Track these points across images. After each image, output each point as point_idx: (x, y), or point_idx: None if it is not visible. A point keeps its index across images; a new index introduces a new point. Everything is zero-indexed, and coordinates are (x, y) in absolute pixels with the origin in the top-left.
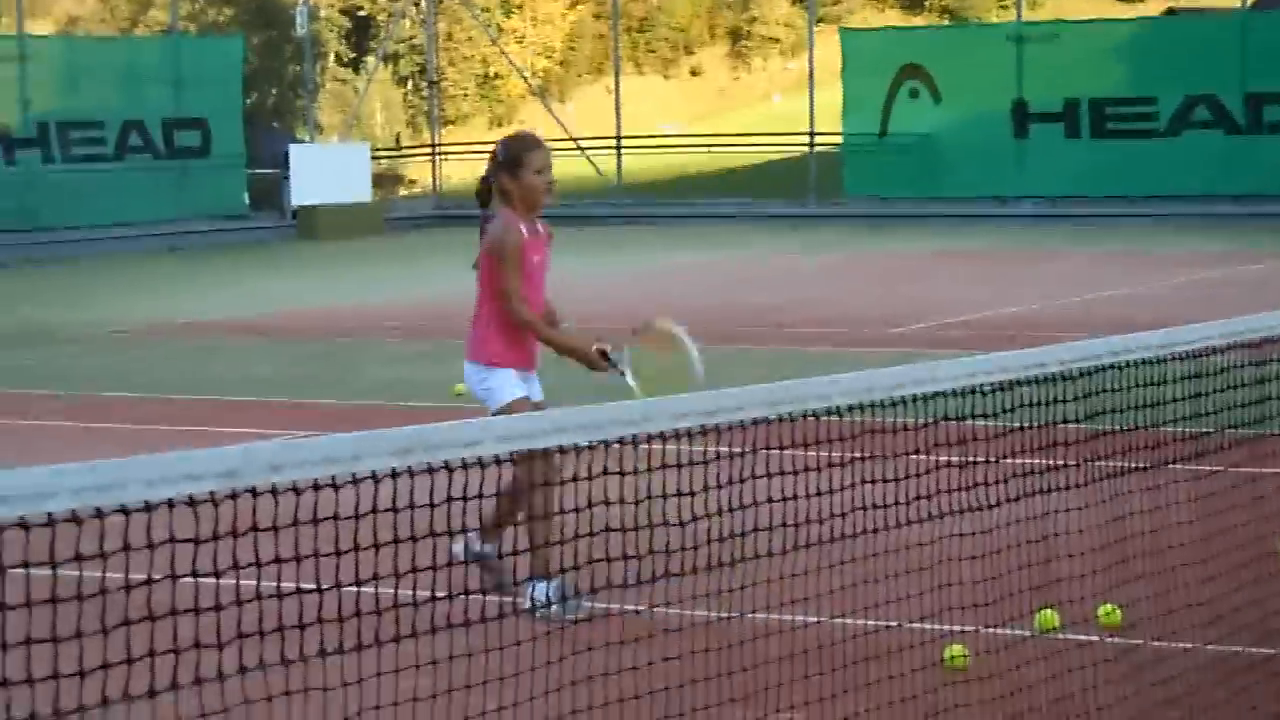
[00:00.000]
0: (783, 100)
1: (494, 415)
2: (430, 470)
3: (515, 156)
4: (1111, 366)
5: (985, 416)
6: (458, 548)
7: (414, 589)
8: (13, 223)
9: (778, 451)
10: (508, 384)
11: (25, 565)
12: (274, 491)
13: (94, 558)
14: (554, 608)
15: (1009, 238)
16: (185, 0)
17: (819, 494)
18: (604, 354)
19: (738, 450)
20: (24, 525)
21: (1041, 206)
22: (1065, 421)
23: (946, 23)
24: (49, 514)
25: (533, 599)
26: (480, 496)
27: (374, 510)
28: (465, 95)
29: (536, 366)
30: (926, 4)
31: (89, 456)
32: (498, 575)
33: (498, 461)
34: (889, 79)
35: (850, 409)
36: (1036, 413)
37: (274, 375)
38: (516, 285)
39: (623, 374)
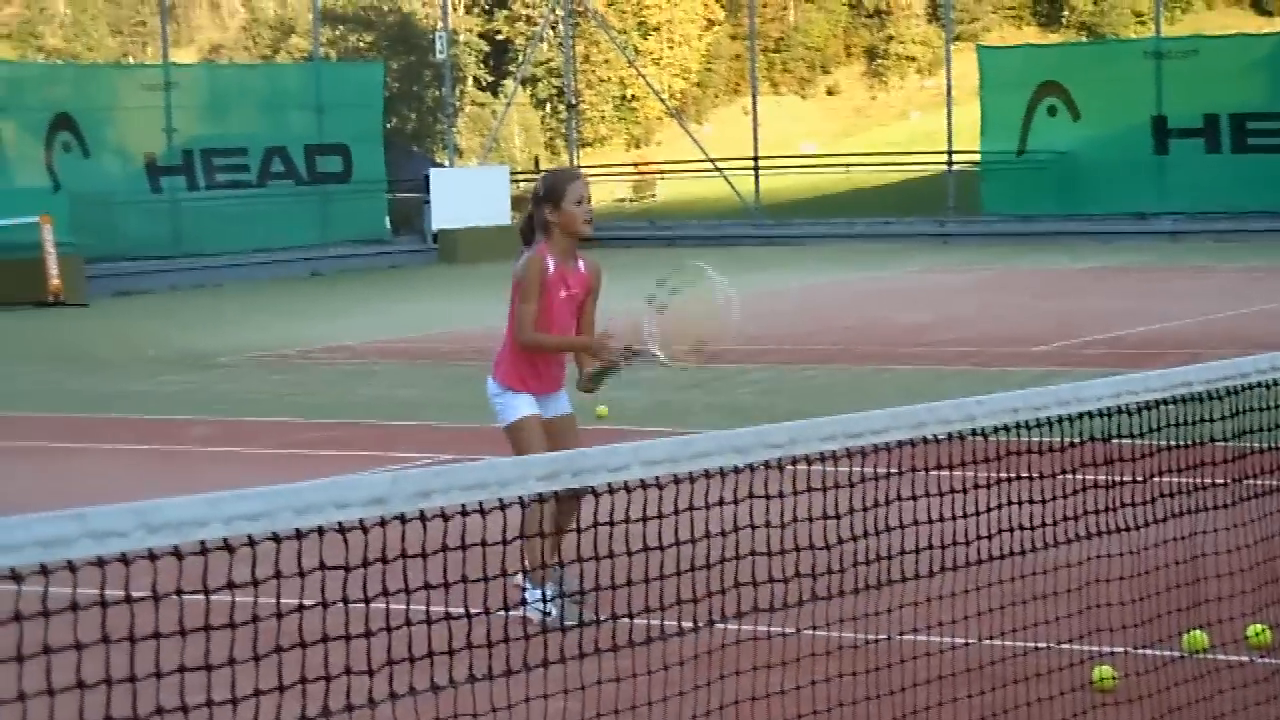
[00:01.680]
0: (920, 118)
1: (505, 429)
2: (576, 495)
3: (556, 188)
4: (1259, 384)
5: (1132, 436)
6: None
7: (561, 612)
8: (159, 249)
9: (923, 473)
10: (521, 404)
11: (179, 593)
12: (422, 518)
13: (246, 585)
14: (548, 614)
15: (1150, 254)
16: (326, 26)
17: (965, 516)
18: (627, 347)
19: (884, 472)
20: (178, 554)
21: (1182, 222)
22: (1213, 440)
23: (1084, 39)
24: (202, 542)
25: (535, 609)
26: (627, 521)
27: (522, 535)
28: (603, 117)
29: (560, 387)
30: (1064, 20)
31: (238, 482)
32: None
33: (644, 486)
34: (1027, 96)
35: (996, 430)
36: (1184, 432)
37: (421, 399)
38: (527, 312)
39: (653, 355)
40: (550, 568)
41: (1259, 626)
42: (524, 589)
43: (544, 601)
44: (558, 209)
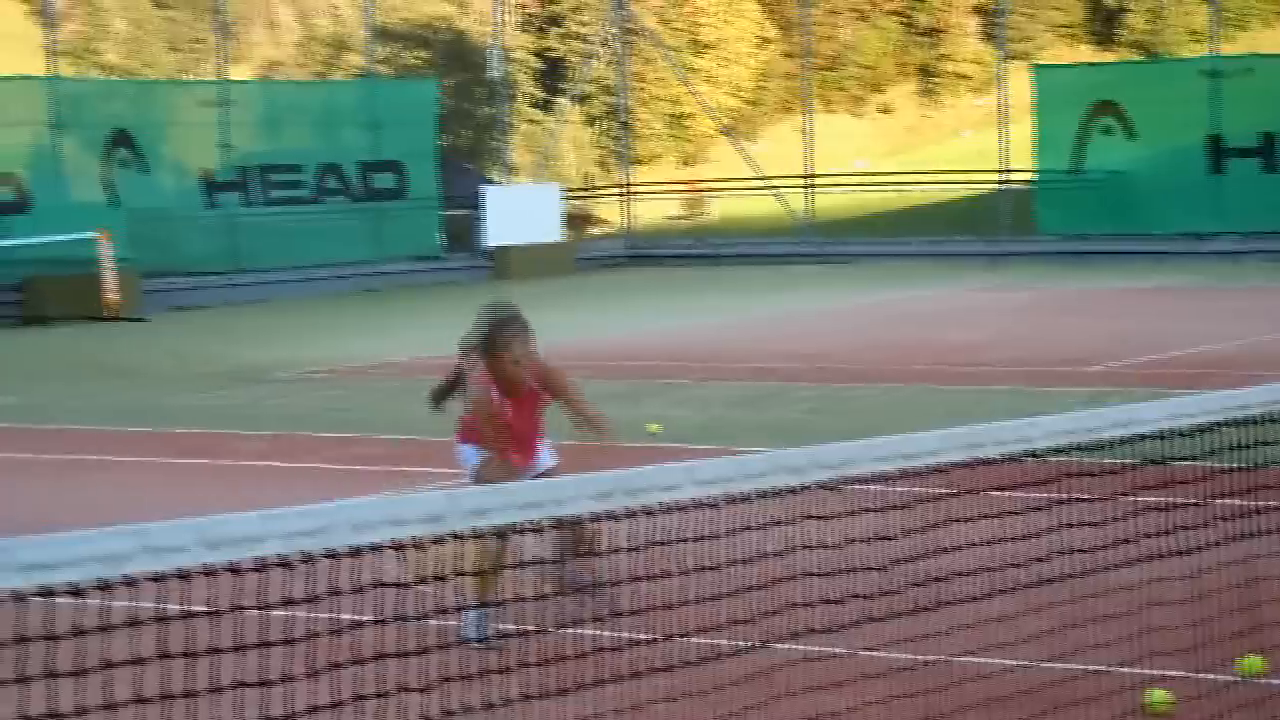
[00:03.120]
0: (972, 137)
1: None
2: (631, 514)
3: (493, 339)
4: None
5: (1188, 459)
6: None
7: (614, 633)
8: (215, 265)
9: (978, 495)
10: (469, 453)
11: (237, 609)
12: (477, 535)
13: (303, 602)
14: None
15: (1205, 274)
16: (381, 44)
17: (1020, 538)
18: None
19: (937, 493)
20: (235, 570)
21: (1238, 242)
22: (1270, 464)
23: (1139, 58)
24: (260, 558)
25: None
26: (681, 540)
27: (575, 553)
28: (655, 135)
29: (534, 459)
30: (1119, 39)
31: (292, 497)
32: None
33: (697, 505)
34: (1082, 115)
35: (1050, 452)
36: (1240, 455)
37: None
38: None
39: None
40: (489, 606)
41: (1254, 658)
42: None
43: (471, 632)
44: (496, 359)
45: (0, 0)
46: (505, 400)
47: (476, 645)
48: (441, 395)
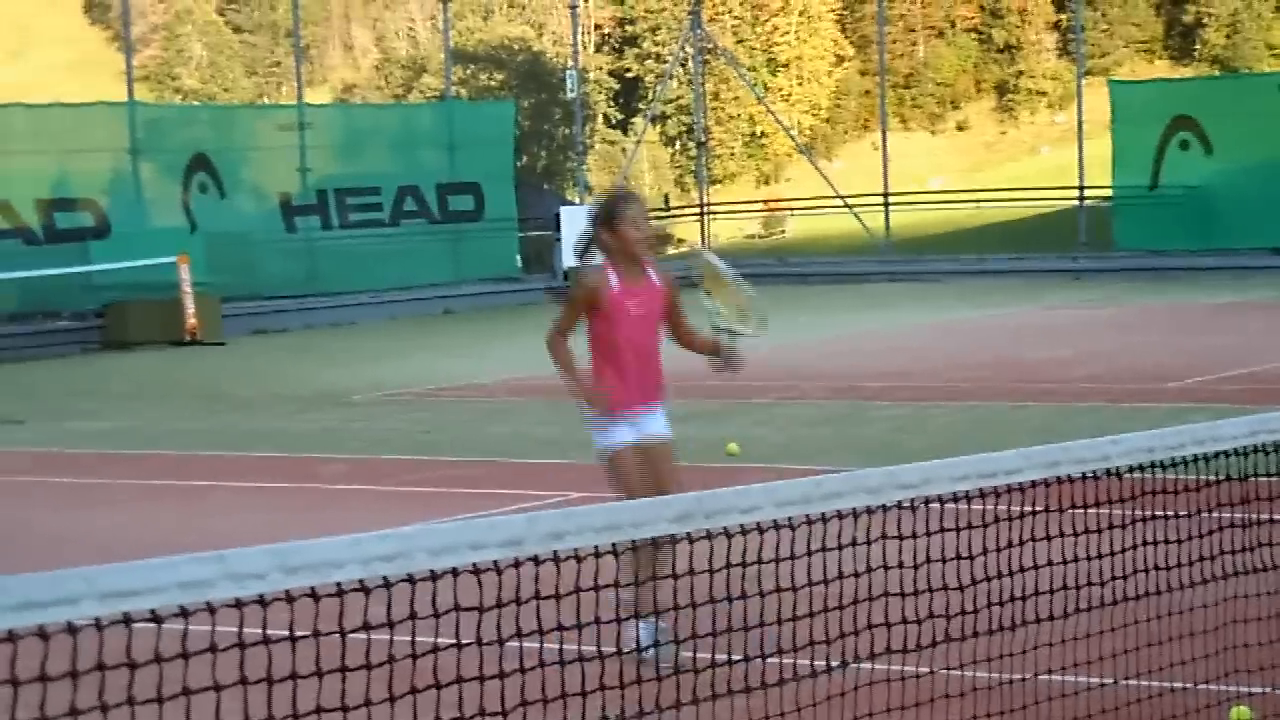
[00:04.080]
0: (1050, 153)
1: (600, 457)
2: (709, 536)
3: (610, 210)
4: None
5: (1270, 475)
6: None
7: (694, 653)
8: (294, 288)
9: (1058, 513)
10: (614, 433)
11: (316, 634)
12: (556, 559)
13: (381, 626)
14: (647, 651)
15: None
16: (458, 66)
17: (1101, 556)
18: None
19: (1018, 511)
20: (314, 595)
21: None
22: None
23: (1216, 73)
24: (338, 583)
25: (633, 639)
26: (760, 562)
27: (653, 576)
28: (732, 154)
29: (658, 399)
30: (1196, 54)
31: (372, 520)
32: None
33: (776, 527)
34: (1160, 130)
35: (1131, 469)
36: None
37: (551, 436)
38: (562, 314)
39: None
40: (648, 615)
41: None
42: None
43: (644, 640)
44: (614, 231)
45: (81, 27)
46: (628, 292)
47: (646, 655)
48: (584, 249)
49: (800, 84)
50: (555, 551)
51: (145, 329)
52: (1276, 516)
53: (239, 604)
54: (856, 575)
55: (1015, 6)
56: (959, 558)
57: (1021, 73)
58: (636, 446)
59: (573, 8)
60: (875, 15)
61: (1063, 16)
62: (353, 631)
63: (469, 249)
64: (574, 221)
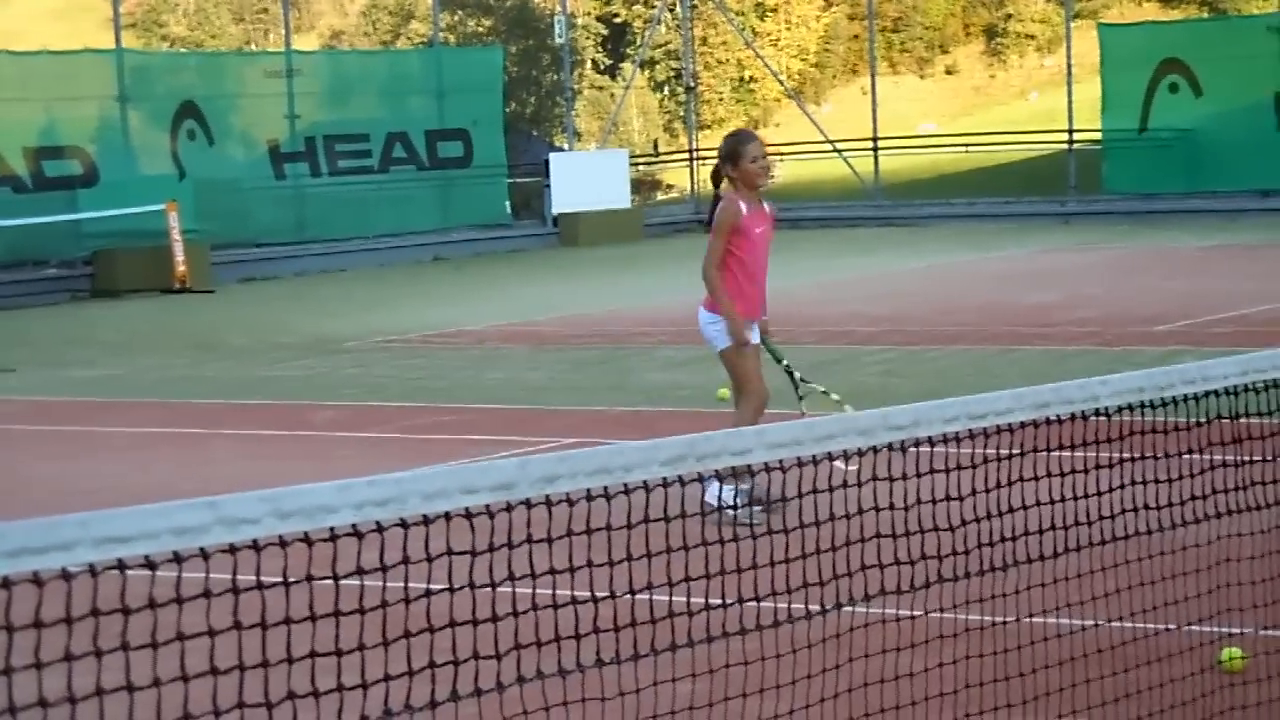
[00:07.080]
0: (1039, 97)
1: (721, 354)
2: (700, 479)
3: (734, 151)
4: None
5: (1260, 414)
6: (709, 496)
7: (688, 596)
8: (283, 235)
9: (1048, 454)
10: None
11: (309, 579)
12: (548, 503)
13: (375, 570)
14: (736, 512)
15: (1275, 231)
16: (446, 12)
17: (1090, 496)
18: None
19: (1008, 453)
20: (307, 540)
21: None
22: None
23: (1205, 15)
24: (331, 528)
25: (713, 500)
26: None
27: (645, 520)
28: (721, 99)
29: (762, 316)
30: None
31: (365, 466)
32: (759, 495)
33: (768, 469)
34: (1149, 73)
35: (1120, 410)
36: None
37: (544, 382)
38: (713, 246)
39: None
40: (743, 475)
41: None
42: (711, 486)
43: (729, 501)
44: (737, 168)
45: None
46: (753, 217)
47: (726, 511)
48: (716, 183)
49: (789, 28)
50: (547, 496)
51: (134, 277)
52: (1267, 456)
53: (233, 549)
54: (848, 517)
55: None
56: (950, 499)
57: (1010, 16)
58: (756, 346)
59: None
60: None
61: None
62: (346, 576)
63: (458, 195)
64: (563, 167)
